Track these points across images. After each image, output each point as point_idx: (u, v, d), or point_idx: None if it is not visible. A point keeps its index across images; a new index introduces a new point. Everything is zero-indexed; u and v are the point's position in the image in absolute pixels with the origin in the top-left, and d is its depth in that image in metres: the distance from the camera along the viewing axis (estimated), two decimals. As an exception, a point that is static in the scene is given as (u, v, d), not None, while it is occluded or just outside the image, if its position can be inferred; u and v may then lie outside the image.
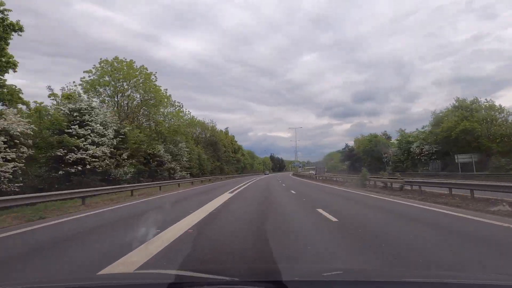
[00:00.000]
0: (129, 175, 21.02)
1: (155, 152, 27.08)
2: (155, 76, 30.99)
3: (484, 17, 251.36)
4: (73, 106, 18.30)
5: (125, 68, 28.78)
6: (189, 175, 33.37)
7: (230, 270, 2.26)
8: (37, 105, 18.73)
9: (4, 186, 11.96)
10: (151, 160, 26.39)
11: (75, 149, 16.57)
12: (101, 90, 28.53)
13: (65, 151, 16.09)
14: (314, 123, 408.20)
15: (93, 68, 28.22)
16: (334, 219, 6.77)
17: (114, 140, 19.76)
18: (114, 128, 20.66)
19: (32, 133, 14.08)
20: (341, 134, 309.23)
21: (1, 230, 6.54)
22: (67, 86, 23.19)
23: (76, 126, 17.48)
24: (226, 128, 74.32)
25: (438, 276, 1.86)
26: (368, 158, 55.68)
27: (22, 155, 13.18)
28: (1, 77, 15.03)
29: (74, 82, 26.14)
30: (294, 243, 4.81)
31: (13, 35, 14.72)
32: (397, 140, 51.83)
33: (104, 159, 18.08)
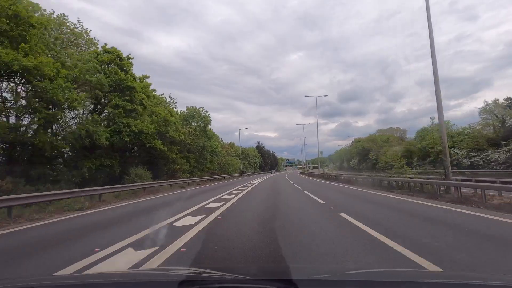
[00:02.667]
0: None
1: None
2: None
3: (465, 18, 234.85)
4: None
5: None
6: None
7: (240, 269, 2.23)
8: None
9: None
10: None
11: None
12: None
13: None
14: (300, 123, 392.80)
15: None
16: None
17: None
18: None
19: None
20: (327, 134, 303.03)
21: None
22: None
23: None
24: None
25: (450, 276, 1.83)
26: None
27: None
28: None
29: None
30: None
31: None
32: None
33: None
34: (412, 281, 1.48)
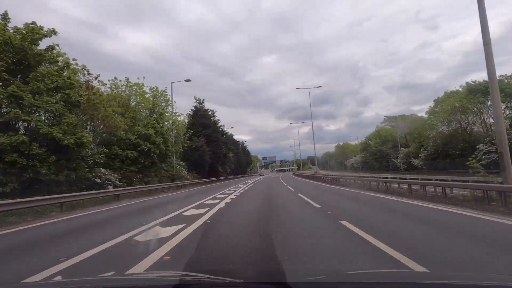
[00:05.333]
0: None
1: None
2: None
3: (428, 28, 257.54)
4: None
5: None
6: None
7: (234, 272, 2.25)
8: None
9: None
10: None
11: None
12: None
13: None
14: (274, 126, 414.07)
15: None
16: None
17: None
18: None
19: None
20: (300, 137, 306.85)
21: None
22: None
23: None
24: None
25: (443, 277, 1.86)
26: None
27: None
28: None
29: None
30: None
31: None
32: None
33: None
34: (408, 282, 1.50)
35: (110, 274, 3.51)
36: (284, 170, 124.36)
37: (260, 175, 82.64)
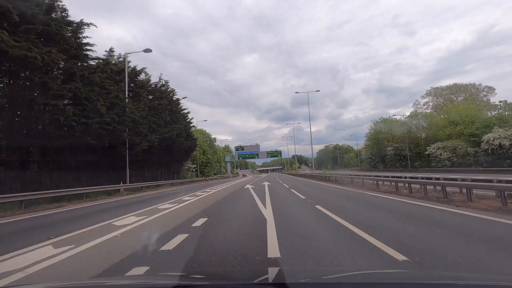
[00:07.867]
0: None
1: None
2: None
3: (405, 33, 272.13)
4: None
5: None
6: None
7: (233, 273, 2.24)
8: None
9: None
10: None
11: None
12: None
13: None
14: (254, 127, 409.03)
15: None
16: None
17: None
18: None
19: None
20: (279, 138, 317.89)
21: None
22: None
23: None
24: None
25: (442, 277, 1.88)
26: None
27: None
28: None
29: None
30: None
31: None
32: None
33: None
34: (406, 282, 1.51)
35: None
36: (267, 171, 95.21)
37: (243, 175, 52.92)
